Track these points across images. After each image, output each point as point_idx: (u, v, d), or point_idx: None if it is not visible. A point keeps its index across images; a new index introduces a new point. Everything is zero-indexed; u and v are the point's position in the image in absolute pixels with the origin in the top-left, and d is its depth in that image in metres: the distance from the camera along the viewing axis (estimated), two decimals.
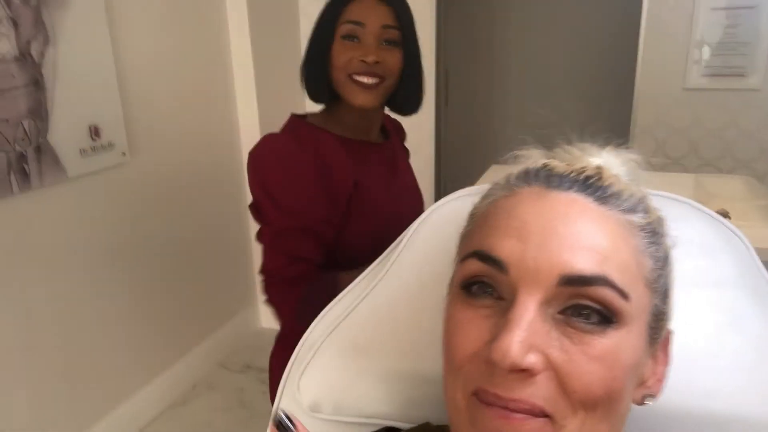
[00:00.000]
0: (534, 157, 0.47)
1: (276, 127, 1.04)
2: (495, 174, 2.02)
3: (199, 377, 2.28)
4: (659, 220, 0.44)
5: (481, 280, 0.41)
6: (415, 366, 0.60)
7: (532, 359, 0.37)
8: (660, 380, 0.45)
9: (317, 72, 0.99)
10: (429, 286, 0.61)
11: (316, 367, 0.63)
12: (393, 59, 0.97)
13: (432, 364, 0.57)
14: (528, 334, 0.37)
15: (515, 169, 0.46)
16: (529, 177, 0.44)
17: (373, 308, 0.63)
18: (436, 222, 0.65)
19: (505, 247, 0.40)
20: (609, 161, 0.46)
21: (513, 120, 3.19)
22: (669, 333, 0.46)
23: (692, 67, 2.28)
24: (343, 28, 0.96)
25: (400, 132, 1.22)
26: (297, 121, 1.03)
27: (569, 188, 0.41)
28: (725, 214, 1.41)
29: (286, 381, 0.66)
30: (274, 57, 2.35)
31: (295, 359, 0.66)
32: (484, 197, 0.47)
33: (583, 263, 0.38)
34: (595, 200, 0.41)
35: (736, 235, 0.56)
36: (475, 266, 0.42)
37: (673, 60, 2.30)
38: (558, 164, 0.44)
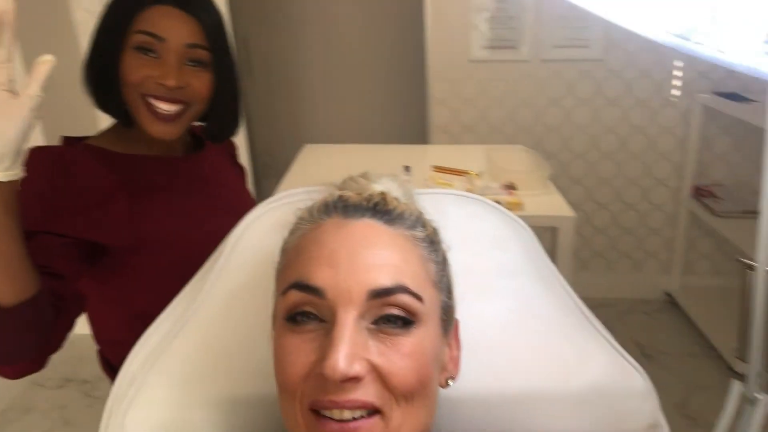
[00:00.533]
0: (329, 190, 0.55)
1: None
2: (309, 154, 2.03)
3: (9, 400, 2.01)
4: (434, 231, 0.53)
5: (303, 310, 0.47)
6: (250, 390, 0.60)
7: (357, 368, 0.43)
8: (456, 364, 0.54)
9: (103, 81, 0.82)
10: (256, 303, 0.61)
11: (141, 403, 0.60)
12: (200, 83, 0.83)
13: (266, 384, 0.58)
14: (350, 348, 0.43)
15: (315, 203, 0.53)
16: (329, 209, 0.51)
17: (198, 334, 0.61)
18: (254, 234, 0.65)
19: (320, 276, 0.46)
20: (389, 186, 0.55)
21: (320, 91, 3.22)
22: (457, 322, 0.55)
23: (474, 40, 2.49)
24: (136, 39, 0.79)
25: (227, 147, 1.07)
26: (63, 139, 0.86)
27: (363, 216, 0.49)
28: (512, 186, 1.61)
29: (108, 421, 0.61)
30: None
31: (114, 397, 0.62)
32: (292, 232, 0.53)
33: (384, 278, 0.45)
34: (385, 223, 0.49)
35: (521, 225, 0.65)
36: (296, 297, 0.47)
37: (458, 34, 2.49)
38: (351, 195, 0.51)
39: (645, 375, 0.63)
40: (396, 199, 0.52)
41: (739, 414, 0.81)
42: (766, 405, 0.83)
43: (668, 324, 2.60)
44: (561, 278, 0.66)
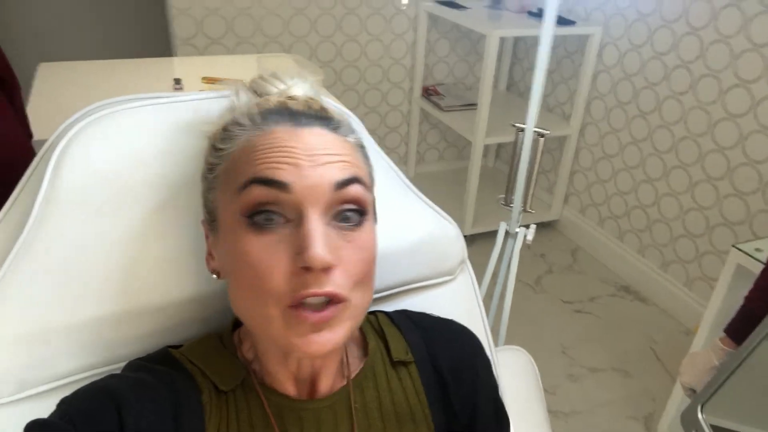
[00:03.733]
0: (242, 93, 0.56)
1: None
2: (48, 72, 1.79)
3: None
4: (360, 137, 0.59)
5: (265, 209, 0.49)
6: (110, 307, 0.59)
7: (329, 258, 0.47)
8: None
9: None
10: (101, 217, 0.60)
11: None
12: None
13: (127, 299, 0.60)
14: (325, 237, 0.48)
15: (249, 108, 0.54)
16: (275, 117, 0.52)
17: (36, 259, 0.58)
18: (80, 146, 0.61)
19: (284, 172, 0.49)
20: (304, 87, 0.57)
21: (48, 4, 2.74)
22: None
23: None
24: None
25: None
26: None
27: (312, 124, 0.52)
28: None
29: None
30: None
31: None
32: (228, 139, 0.53)
33: (343, 172, 0.50)
34: (331, 130, 0.53)
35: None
36: (258, 192, 0.48)
37: None
38: (292, 103, 0.54)
39: (455, 224, 0.82)
40: (333, 108, 0.57)
41: (504, 247, 1.09)
42: (521, 235, 1.12)
43: None
44: (383, 155, 0.79)
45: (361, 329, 0.64)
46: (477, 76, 3.07)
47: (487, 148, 3.23)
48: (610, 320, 2.28)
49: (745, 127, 1.94)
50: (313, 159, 0.49)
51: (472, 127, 2.51)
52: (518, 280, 2.39)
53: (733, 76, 1.95)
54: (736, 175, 1.99)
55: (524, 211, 1.23)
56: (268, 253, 0.48)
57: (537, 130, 1.12)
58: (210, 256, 0.57)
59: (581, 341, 2.16)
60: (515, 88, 3.07)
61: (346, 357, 0.61)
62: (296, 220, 0.49)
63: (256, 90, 0.57)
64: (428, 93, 2.91)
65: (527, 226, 1.30)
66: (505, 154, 3.25)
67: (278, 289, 0.48)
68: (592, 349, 2.12)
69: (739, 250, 1.44)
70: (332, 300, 0.48)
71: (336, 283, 0.48)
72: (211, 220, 0.55)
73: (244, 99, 0.56)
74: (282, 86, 0.57)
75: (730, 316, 1.04)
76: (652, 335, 2.20)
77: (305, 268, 0.47)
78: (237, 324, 0.61)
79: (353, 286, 0.50)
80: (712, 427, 0.83)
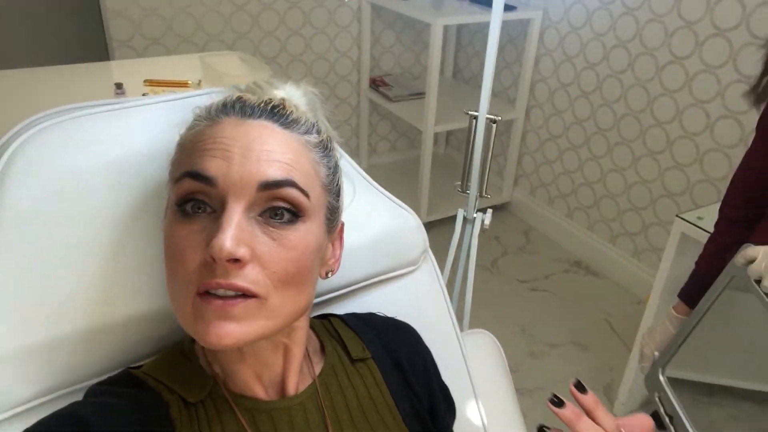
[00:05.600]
0: (231, 92, 0.55)
1: None
2: None
3: None
4: (329, 139, 0.58)
5: (194, 198, 0.49)
6: (65, 328, 0.57)
7: (242, 251, 0.46)
8: (337, 260, 0.62)
9: None
10: (50, 235, 0.58)
11: None
12: None
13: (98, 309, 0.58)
14: (237, 231, 0.47)
15: (215, 102, 0.54)
16: (227, 109, 0.52)
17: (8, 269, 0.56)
18: (24, 162, 0.59)
19: (213, 166, 0.48)
20: (291, 93, 0.57)
21: None
22: (342, 224, 0.62)
23: None
24: None
25: None
26: None
27: (260, 117, 0.52)
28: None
29: None
30: None
31: None
32: (189, 128, 0.54)
33: (274, 172, 0.49)
34: (280, 125, 0.52)
35: None
36: (188, 184, 0.49)
37: None
38: (250, 97, 0.53)
39: (416, 216, 0.83)
40: (296, 106, 0.56)
41: (463, 232, 1.11)
42: (479, 220, 1.15)
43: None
44: (341, 151, 0.79)
45: (317, 334, 0.65)
46: (423, 65, 3.09)
47: (437, 135, 3.26)
48: (566, 296, 2.35)
49: (681, 101, 2.02)
50: (246, 154, 0.49)
51: (421, 116, 2.53)
52: (476, 263, 2.43)
53: (668, 53, 2.03)
54: (675, 148, 2.08)
55: (480, 196, 1.26)
56: (187, 240, 0.48)
57: (489, 116, 1.14)
58: None
59: (539, 319, 2.22)
60: (461, 75, 3.11)
61: (309, 357, 0.62)
62: (220, 211, 0.49)
63: (247, 92, 0.56)
64: (376, 84, 2.92)
65: (483, 211, 1.33)
66: (456, 141, 3.29)
67: (190, 276, 0.48)
68: (551, 326, 2.18)
69: (683, 219, 1.51)
70: (244, 295, 0.47)
71: (248, 279, 0.47)
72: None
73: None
74: (266, 88, 0.56)
75: (681, 283, 1.09)
76: (606, 308, 2.29)
77: (213, 258, 0.46)
78: None
79: (274, 285, 0.49)
80: (675, 380, 0.89)
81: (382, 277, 0.80)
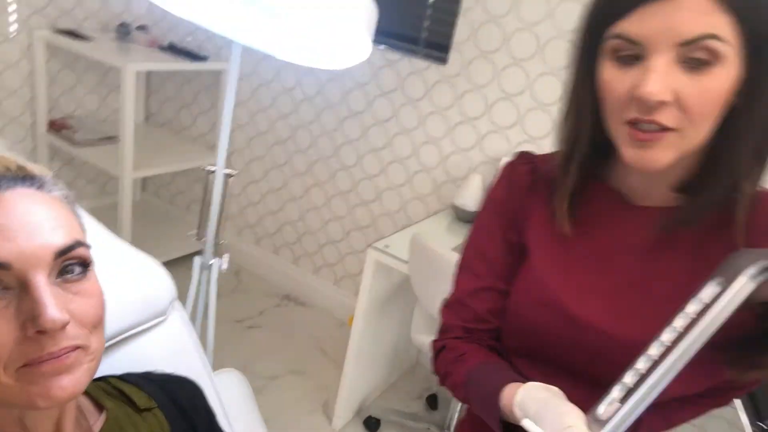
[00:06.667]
0: None
1: None
2: None
3: None
4: (67, 189, 0.58)
5: None
6: None
7: (63, 317, 0.48)
8: None
9: None
10: None
11: None
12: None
13: None
14: (55, 300, 0.48)
15: None
16: None
17: None
18: None
19: (2, 250, 0.47)
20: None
21: None
22: None
23: None
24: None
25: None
26: None
27: (14, 185, 0.51)
28: None
29: None
30: None
31: None
32: None
33: (61, 238, 0.51)
34: (37, 189, 0.53)
35: None
36: None
37: None
38: None
39: (161, 265, 0.85)
40: (31, 165, 0.54)
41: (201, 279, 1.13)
42: (217, 265, 1.18)
43: None
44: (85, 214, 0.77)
45: (90, 394, 0.64)
46: (111, 107, 2.93)
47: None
48: (279, 329, 2.49)
49: (361, 149, 2.39)
50: (29, 231, 0.49)
51: (116, 162, 2.40)
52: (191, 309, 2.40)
53: (346, 109, 2.38)
54: (360, 187, 2.44)
55: (217, 243, 1.31)
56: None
57: (226, 171, 1.21)
58: None
59: (258, 354, 2.31)
60: (154, 119, 3.04)
61: (85, 416, 0.61)
62: (21, 287, 0.49)
63: None
64: (57, 127, 2.64)
65: (219, 256, 1.38)
66: (153, 186, 3.18)
67: (9, 356, 0.47)
68: (269, 359, 2.29)
69: (375, 248, 1.79)
70: (72, 349, 0.50)
71: (71, 336, 0.50)
72: None
73: None
74: None
75: (379, 303, 1.28)
76: (316, 333, 2.51)
77: (40, 332, 0.47)
78: None
79: (90, 331, 0.52)
80: None
81: (133, 331, 0.79)
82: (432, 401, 2.23)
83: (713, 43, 0.55)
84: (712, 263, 0.55)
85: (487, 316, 0.76)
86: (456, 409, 2.00)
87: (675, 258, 0.66)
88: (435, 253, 1.52)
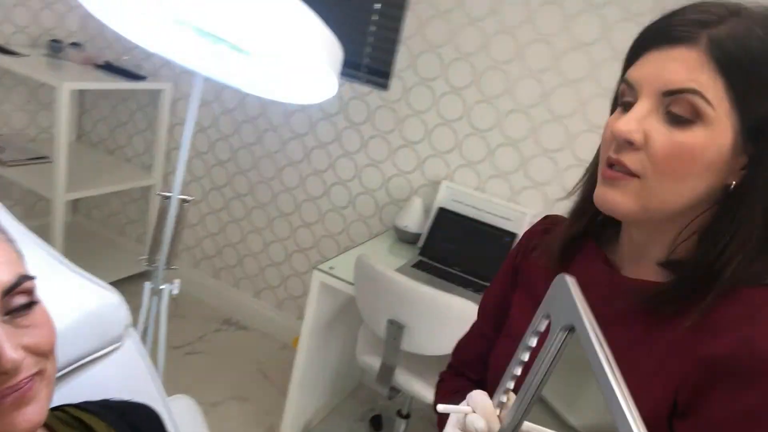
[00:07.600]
0: None
1: None
2: None
3: None
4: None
5: None
6: None
7: (20, 356, 0.49)
8: None
9: None
10: None
11: None
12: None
13: None
14: (10, 338, 0.49)
15: None
16: None
17: None
18: None
19: None
20: None
21: None
22: None
23: None
24: None
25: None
26: None
27: None
28: None
29: None
30: None
31: None
32: None
33: (4, 275, 0.52)
34: None
35: None
36: None
37: None
38: None
39: (115, 290, 0.84)
40: None
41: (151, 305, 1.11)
42: (167, 291, 1.17)
43: None
44: (27, 230, 0.76)
45: (48, 425, 0.63)
46: (40, 126, 2.81)
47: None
48: (220, 354, 2.45)
49: (304, 170, 2.41)
50: None
51: (47, 183, 2.31)
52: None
53: (289, 131, 2.40)
54: (302, 209, 2.45)
55: (168, 268, 1.29)
56: None
57: (181, 197, 1.20)
58: None
59: (199, 381, 2.26)
60: (87, 138, 2.94)
61: None
62: None
63: None
64: None
65: (169, 282, 1.35)
66: (85, 208, 3.06)
67: None
68: (210, 385, 2.25)
69: (320, 270, 1.81)
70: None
71: (29, 366, 0.51)
72: None
73: None
74: None
75: (324, 324, 1.28)
76: (258, 357, 2.48)
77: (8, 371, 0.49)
78: None
79: (47, 357, 0.54)
80: None
81: (89, 359, 0.78)
82: (376, 422, 2.25)
83: (696, 100, 0.53)
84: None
85: (475, 360, 0.81)
86: (400, 430, 2.02)
87: (649, 333, 0.61)
88: (381, 274, 1.56)
